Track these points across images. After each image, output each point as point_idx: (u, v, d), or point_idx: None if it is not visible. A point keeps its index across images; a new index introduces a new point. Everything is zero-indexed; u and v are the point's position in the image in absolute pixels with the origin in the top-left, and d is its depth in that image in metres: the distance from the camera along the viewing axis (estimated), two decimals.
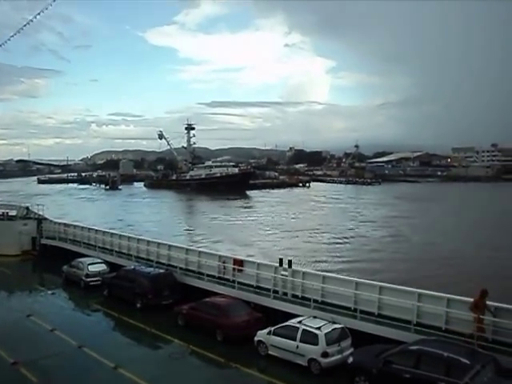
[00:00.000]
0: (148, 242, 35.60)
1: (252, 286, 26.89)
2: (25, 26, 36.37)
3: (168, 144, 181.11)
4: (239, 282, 27.22)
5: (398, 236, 65.40)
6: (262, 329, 22.02)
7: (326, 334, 19.88)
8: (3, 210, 49.77)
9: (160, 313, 27.00)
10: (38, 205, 51.31)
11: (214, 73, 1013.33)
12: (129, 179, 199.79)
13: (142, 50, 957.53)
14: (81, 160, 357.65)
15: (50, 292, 33.38)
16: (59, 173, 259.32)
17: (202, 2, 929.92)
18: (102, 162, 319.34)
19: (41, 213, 48.53)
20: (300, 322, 21.03)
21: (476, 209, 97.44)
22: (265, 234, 67.56)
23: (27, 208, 49.95)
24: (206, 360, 21.38)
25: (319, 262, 47.48)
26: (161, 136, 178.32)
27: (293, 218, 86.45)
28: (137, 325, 25.95)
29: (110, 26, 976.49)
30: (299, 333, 20.37)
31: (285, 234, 67.55)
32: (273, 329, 21.42)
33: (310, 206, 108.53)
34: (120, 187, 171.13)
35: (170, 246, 33.78)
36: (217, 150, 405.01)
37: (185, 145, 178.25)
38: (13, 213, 49.56)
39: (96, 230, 40.68)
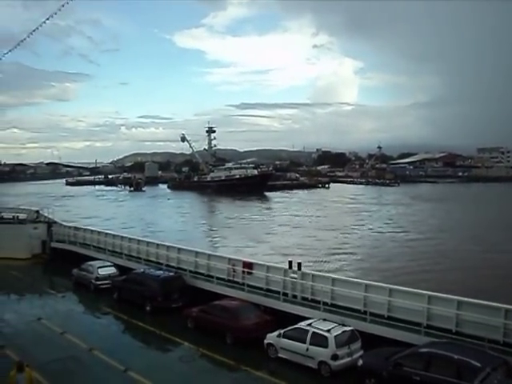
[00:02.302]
0: (157, 244, 35.58)
1: (262, 288, 26.83)
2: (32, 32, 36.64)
3: (190, 146, 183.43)
4: (249, 285, 27.21)
5: (407, 234, 67.02)
6: (271, 331, 22.00)
7: (335, 337, 19.85)
8: (14, 214, 50.00)
9: (169, 316, 27.00)
10: (49, 208, 51.71)
11: (243, 75, 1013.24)
12: (154, 181, 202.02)
13: (170, 53, 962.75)
14: (110, 163, 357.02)
15: (60, 295, 33.53)
16: (88, 175, 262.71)
17: (230, 4, 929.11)
18: (130, 164, 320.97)
19: (51, 216, 48.67)
20: (310, 325, 21.01)
21: (483, 209, 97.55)
22: (278, 233, 69.30)
23: (37, 211, 50.11)
24: (215, 363, 21.39)
25: (329, 260, 48.11)
26: (183, 139, 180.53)
27: (306, 217, 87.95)
28: (146, 328, 25.99)
29: (139, 30, 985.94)
30: (309, 335, 20.34)
31: (297, 232, 69.28)
32: (282, 331, 21.39)
33: (324, 205, 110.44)
34: (144, 189, 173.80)
35: (179, 248, 33.70)
36: (245, 151, 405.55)
37: (206, 147, 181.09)
38: (23, 216, 49.79)
39: (106, 234, 40.78)
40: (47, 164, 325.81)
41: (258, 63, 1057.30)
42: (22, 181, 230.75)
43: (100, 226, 61.28)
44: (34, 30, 37.43)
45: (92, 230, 42.65)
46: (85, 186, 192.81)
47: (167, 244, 35.52)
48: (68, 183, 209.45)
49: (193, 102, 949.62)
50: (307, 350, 20.17)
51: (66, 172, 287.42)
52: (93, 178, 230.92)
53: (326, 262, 47.42)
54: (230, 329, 23.22)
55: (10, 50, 41.57)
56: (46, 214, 49.21)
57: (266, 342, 21.83)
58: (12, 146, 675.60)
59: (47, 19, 35.98)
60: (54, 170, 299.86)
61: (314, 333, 20.34)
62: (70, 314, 29.05)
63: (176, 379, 20.08)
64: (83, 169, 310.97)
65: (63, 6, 34.13)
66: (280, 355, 21.23)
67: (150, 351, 23.77)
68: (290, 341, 20.89)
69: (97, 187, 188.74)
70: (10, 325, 27.32)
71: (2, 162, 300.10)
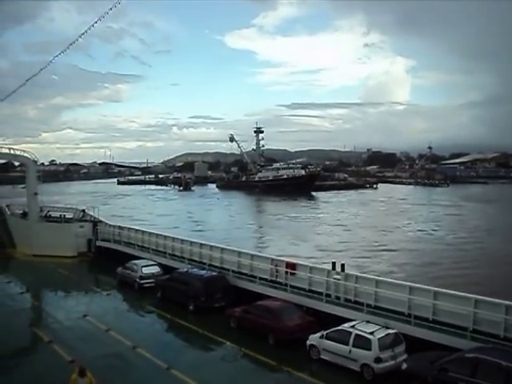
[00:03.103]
0: (201, 244, 35.77)
1: (304, 289, 26.75)
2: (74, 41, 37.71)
3: (238, 146, 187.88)
4: (292, 286, 27.11)
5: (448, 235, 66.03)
6: (314, 333, 21.87)
7: (379, 339, 19.60)
8: (60, 213, 51.18)
9: (212, 315, 27.13)
10: (99, 206, 53.04)
11: (293, 75, 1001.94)
12: (203, 181, 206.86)
13: (220, 54, 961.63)
14: (161, 162, 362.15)
15: (105, 293, 34.04)
16: (139, 175, 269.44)
17: (280, 4, 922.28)
18: (180, 164, 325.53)
19: (96, 215, 49.54)
20: (353, 327, 20.80)
21: None
22: (323, 232, 70.53)
23: (83, 211, 51.19)
24: (257, 363, 21.40)
25: (373, 261, 48.06)
26: (232, 139, 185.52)
27: (351, 217, 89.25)
28: (189, 327, 26.17)
29: (190, 31, 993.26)
30: (352, 337, 20.14)
31: (342, 232, 70.08)
32: (325, 333, 21.24)
33: (370, 206, 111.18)
34: (193, 188, 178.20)
35: (222, 248, 33.84)
36: (296, 151, 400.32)
37: (255, 147, 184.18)
38: (69, 215, 50.89)
39: (149, 233, 41.19)
40: (100, 164, 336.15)
41: (309, 63, 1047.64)
42: (75, 180, 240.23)
43: (148, 224, 63.71)
44: (82, 34, 38.15)
45: (136, 230, 43.17)
46: (135, 186, 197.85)
47: (210, 244, 35.69)
48: (119, 182, 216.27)
49: (243, 103, 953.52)
50: (350, 352, 19.99)
51: (118, 172, 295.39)
52: (143, 177, 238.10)
53: (370, 262, 47.17)
54: (272, 329, 23.19)
55: (60, 52, 42.66)
56: (91, 213, 50.13)
57: (308, 343, 21.72)
58: (67, 146, 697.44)
59: (95, 22, 36.69)
60: (106, 170, 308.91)
61: (357, 335, 20.13)
62: (114, 312, 29.48)
63: (218, 378, 20.12)
64: (135, 168, 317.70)
65: (111, 9, 34.66)
66: (322, 357, 21.10)
67: (192, 350, 23.97)
68: (333, 342, 20.73)
69: (147, 187, 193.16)
70: (58, 321, 27.99)
71: (58, 162, 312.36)
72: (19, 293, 34.53)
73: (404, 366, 18.57)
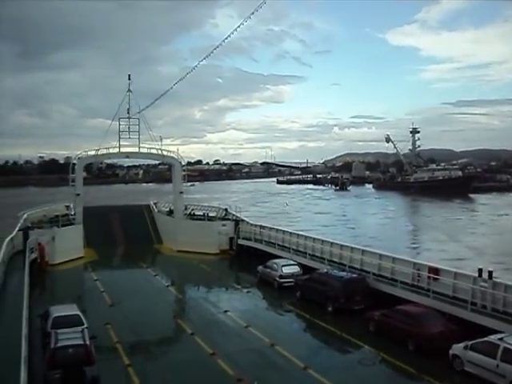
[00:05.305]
0: (341, 246, 35.45)
1: (448, 295, 25.54)
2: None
3: (394, 147, 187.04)
4: (434, 291, 26.03)
5: None
6: (457, 342, 20.78)
7: None
8: (204, 211, 53.35)
9: (351, 317, 26.75)
10: (241, 209, 54.88)
11: (459, 70, 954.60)
12: (360, 181, 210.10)
13: (382, 52, 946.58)
14: (322, 162, 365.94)
15: (245, 290, 34.75)
16: (298, 174, 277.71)
17: None
18: (340, 164, 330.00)
19: (238, 214, 50.84)
20: (501, 339, 19.37)
21: None
22: (474, 234, 70.23)
23: (226, 209, 52.93)
24: (396, 369, 20.73)
25: None
26: (388, 139, 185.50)
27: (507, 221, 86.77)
28: (327, 328, 26.00)
29: (350, 30, 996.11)
30: (500, 351, 18.77)
31: (495, 235, 69.04)
32: (470, 343, 20.08)
33: None
34: (349, 188, 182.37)
35: (363, 250, 33.34)
36: (461, 151, 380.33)
37: (411, 148, 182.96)
38: (213, 214, 52.80)
39: (290, 233, 41.45)
40: (261, 163, 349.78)
41: (476, 58, 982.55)
42: (237, 179, 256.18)
43: (301, 222, 65.14)
44: (225, 38, 40.40)
45: (277, 229, 43.60)
46: (294, 185, 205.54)
47: (351, 245, 35.31)
48: (278, 182, 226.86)
49: (405, 101, 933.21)
50: (497, 366, 18.68)
51: (279, 171, 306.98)
52: (301, 177, 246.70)
53: None
54: (412, 335, 22.41)
55: (205, 57, 45.44)
56: (233, 212, 51.61)
57: (451, 352, 20.67)
58: (230, 146, 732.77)
59: (238, 26, 38.83)
60: (267, 169, 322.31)
61: (505, 348, 18.75)
62: (254, 309, 30.14)
63: (355, 382, 19.83)
64: (295, 168, 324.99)
65: (252, 13, 36.27)
66: (466, 369, 19.93)
67: (330, 351, 23.89)
68: (478, 354, 19.49)
69: (305, 186, 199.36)
70: (200, 314, 29.15)
71: (221, 162, 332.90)
72: (165, 286, 36.33)
73: None
